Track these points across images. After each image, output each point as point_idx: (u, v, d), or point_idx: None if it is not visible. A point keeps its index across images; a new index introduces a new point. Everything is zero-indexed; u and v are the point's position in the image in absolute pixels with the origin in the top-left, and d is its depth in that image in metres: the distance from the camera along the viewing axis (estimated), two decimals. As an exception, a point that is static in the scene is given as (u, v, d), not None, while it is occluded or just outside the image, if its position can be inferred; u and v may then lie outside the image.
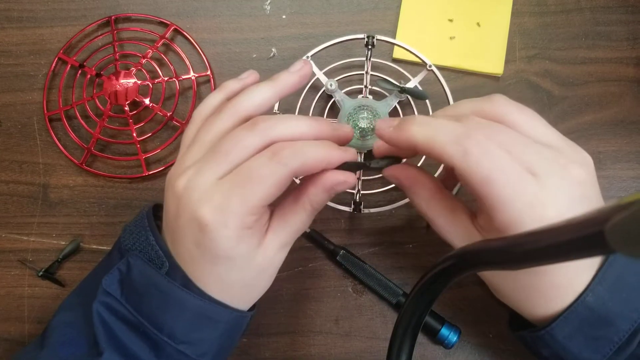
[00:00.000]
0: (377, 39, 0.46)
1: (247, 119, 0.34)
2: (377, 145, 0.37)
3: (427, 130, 0.32)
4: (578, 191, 0.31)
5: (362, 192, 0.45)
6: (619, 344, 0.32)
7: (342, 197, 0.46)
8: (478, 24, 0.50)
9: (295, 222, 0.35)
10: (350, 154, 0.34)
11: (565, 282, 0.33)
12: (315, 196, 0.34)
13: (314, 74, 0.46)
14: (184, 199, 0.32)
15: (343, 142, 0.35)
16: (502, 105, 0.34)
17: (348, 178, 0.34)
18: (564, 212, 0.30)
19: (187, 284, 0.34)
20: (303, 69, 0.36)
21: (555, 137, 0.34)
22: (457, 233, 0.35)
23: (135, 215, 0.38)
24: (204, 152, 0.34)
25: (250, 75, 0.38)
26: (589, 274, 0.33)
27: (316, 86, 0.48)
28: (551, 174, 0.31)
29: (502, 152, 0.30)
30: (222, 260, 0.33)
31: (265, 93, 0.35)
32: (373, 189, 0.46)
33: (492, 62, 0.49)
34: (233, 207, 0.31)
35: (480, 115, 0.33)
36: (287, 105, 0.48)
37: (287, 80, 0.36)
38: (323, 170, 0.33)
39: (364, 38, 0.46)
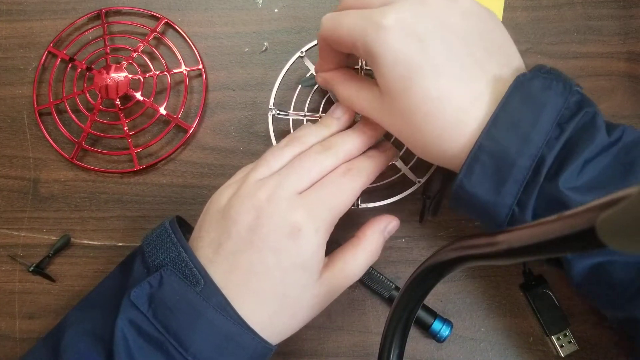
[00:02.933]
0: None
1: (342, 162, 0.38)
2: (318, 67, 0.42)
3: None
4: (419, 10, 0.34)
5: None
6: (524, 182, 0.33)
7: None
8: (470, 19, 0.50)
9: (351, 267, 0.37)
10: (391, 152, 0.41)
11: (457, 124, 0.34)
12: (376, 244, 0.39)
13: (308, 69, 0.46)
14: (269, 209, 0.34)
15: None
16: None
17: (395, 220, 0.41)
18: (400, 17, 0.34)
19: (223, 306, 0.33)
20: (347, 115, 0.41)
21: None
22: (365, 96, 0.38)
23: (155, 229, 0.38)
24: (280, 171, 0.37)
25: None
26: (481, 113, 0.33)
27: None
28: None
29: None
30: (297, 269, 0.34)
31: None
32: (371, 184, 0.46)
33: (485, 56, 0.49)
34: (324, 214, 0.35)
35: None
36: (281, 100, 0.48)
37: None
38: (376, 218, 0.40)
39: None
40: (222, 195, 0.37)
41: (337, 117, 0.41)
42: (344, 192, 0.36)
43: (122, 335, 0.33)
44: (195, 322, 0.33)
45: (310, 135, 0.39)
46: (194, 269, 0.34)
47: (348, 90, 0.39)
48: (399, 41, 0.33)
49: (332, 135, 0.40)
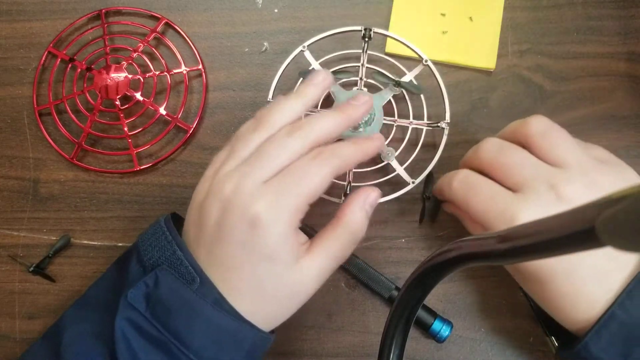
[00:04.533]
0: (374, 32, 0.46)
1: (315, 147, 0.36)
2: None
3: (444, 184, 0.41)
4: (559, 207, 0.35)
5: (352, 184, 0.45)
6: None
7: (333, 190, 0.46)
8: (470, 19, 0.50)
9: (334, 247, 0.36)
10: (379, 142, 0.39)
11: (592, 295, 0.35)
12: (356, 218, 0.36)
13: (309, 64, 0.46)
14: (233, 201, 0.33)
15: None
16: (532, 127, 0.38)
17: (375, 191, 0.38)
18: (576, 194, 0.35)
19: (219, 302, 0.33)
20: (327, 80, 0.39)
21: (573, 156, 0.37)
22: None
23: (151, 227, 0.37)
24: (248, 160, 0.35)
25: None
26: (616, 286, 0.34)
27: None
28: (532, 189, 0.36)
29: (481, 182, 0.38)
30: (266, 260, 0.33)
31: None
32: (365, 182, 0.46)
33: (485, 56, 0.49)
34: (285, 204, 0.33)
35: (513, 136, 0.39)
36: (281, 94, 0.48)
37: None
38: (354, 193, 0.37)
39: (361, 30, 0.46)
40: (200, 191, 0.37)
41: (314, 84, 0.38)
42: (311, 177, 0.34)
43: (122, 334, 0.33)
44: (194, 321, 0.33)
45: (279, 113, 0.37)
46: (189, 267, 0.34)
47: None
48: None
49: (306, 108, 0.38)
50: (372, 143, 0.38)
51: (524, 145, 0.38)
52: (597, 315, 0.34)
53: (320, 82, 0.38)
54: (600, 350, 0.34)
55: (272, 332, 0.37)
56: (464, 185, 0.39)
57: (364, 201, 0.37)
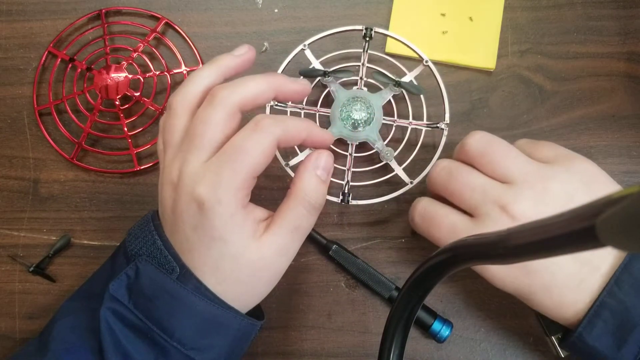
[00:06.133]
0: (374, 32, 0.46)
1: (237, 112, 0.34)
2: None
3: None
4: (548, 199, 0.36)
5: (351, 183, 0.45)
6: None
7: (333, 190, 0.46)
8: (470, 19, 0.50)
9: (291, 218, 0.34)
10: (328, 135, 0.37)
11: (574, 303, 0.35)
12: (307, 184, 0.34)
13: (310, 63, 0.46)
14: (179, 187, 0.33)
15: (302, 94, 0.37)
16: (469, 148, 0.40)
17: (324, 153, 0.35)
18: (526, 211, 0.35)
19: (199, 289, 0.33)
20: (248, 53, 0.37)
21: (516, 169, 0.37)
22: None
23: (140, 219, 0.38)
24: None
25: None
26: (595, 287, 0.35)
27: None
28: (485, 214, 0.36)
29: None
30: (217, 242, 0.33)
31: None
32: (363, 181, 0.46)
33: (485, 56, 0.49)
34: (224, 182, 0.32)
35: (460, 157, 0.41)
36: (279, 99, 0.48)
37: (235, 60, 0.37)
38: (305, 158, 0.35)
39: (362, 30, 0.46)
40: (159, 182, 0.36)
41: (233, 54, 0.37)
42: (249, 150, 0.32)
43: (107, 325, 0.33)
44: (176, 309, 0.33)
45: (191, 84, 0.35)
46: (169, 257, 0.34)
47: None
48: None
49: (221, 76, 0.36)
50: (320, 131, 0.36)
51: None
52: (587, 309, 0.35)
53: (241, 54, 0.37)
54: (594, 339, 0.35)
55: (261, 318, 0.37)
56: (425, 218, 0.40)
57: (314, 166, 0.35)
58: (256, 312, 0.38)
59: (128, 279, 0.34)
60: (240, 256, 0.33)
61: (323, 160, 0.35)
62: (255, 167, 0.32)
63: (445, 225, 0.38)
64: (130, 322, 0.34)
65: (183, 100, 0.35)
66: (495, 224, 0.36)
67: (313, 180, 0.35)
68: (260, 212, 0.35)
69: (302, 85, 0.36)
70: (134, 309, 0.34)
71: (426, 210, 0.40)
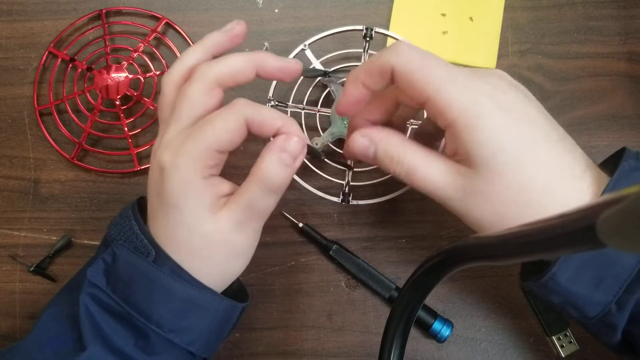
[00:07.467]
0: (375, 32, 0.46)
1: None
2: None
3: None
4: (504, 82, 0.34)
5: (351, 183, 0.45)
6: (628, 280, 0.31)
7: (333, 190, 0.46)
8: (471, 19, 0.50)
9: (247, 196, 0.34)
10: (301, 138, 0.34)
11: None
12: (267, 165, 0.33)
13: (310, 62, 0.46)
14: (153, 155, 0.35)
15: (287, 71, 0.35)
16: None
17: (291, 138, 0.33)
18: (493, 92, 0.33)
19: (176, 271, 0.34)
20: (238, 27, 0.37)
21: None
22: (437, 167, 0.34)
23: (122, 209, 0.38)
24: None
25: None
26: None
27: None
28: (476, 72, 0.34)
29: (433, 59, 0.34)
30: (172, 209, 0.33)
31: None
32: (363, 181, 0.46)
33: (485, 56, 0.49)
34: (184, 150, 0.33)
35: None
36: (281, 92, 0.48)
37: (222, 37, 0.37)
38: (276, 138, 0.34)
39: (362, 30, 0.46)
40: None
41: (221, 30, 0.36)
42: (214, 122, 0.32)
43: (86, 310, 0.33)
44: (152, 292, 0.33)
45: (178, 63, 0.36)
46: (144, 240, 0.34)
47: (411, 159, 0.35)
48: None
49: (207, 53, 0.36)
50: (298, 128, 0.35)
51: None
52: None
53: (228, 29, 0.36)
54: (568, 280, 0.32)
55: (244, 300, 0.37)
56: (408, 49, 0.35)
57: (280, 148, 0.33)
58: (241, 295, 0.38)
59: (105, 264, 0.35)
60: (194, 226, 0.33)
61: (291, 144, 0.33)
62: (218, 141, 0.32)
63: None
64: (109, 307, 0.34)
65: (170, 78, 0.36)
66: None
67: (274, 163, 0.33)
68: (226, 187, 0.35)
69: (286, 62, 0.35)
70: (112, 293, 0.34)
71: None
